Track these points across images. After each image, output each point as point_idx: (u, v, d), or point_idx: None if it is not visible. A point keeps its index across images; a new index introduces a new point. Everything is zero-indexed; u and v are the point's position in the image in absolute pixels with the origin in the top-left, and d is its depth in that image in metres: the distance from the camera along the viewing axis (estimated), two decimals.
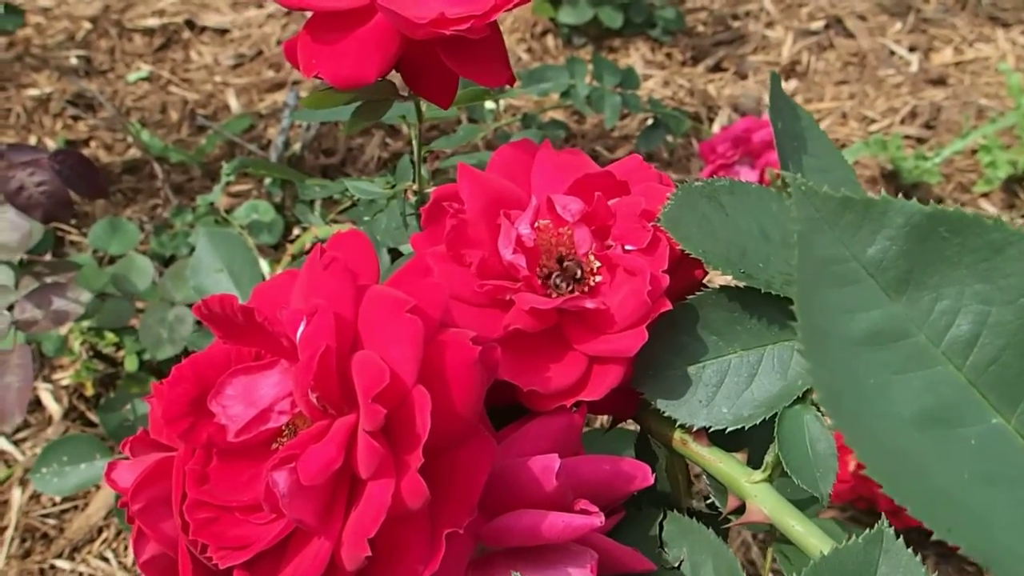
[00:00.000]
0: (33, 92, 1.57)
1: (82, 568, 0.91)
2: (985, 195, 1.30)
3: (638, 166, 0.40)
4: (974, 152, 1.34)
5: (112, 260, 0.97)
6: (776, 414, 0.36)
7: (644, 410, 0.38)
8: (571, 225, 0.37)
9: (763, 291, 0.35)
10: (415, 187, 0.54)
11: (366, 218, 0.59)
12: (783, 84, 1.59)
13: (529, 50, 1.64)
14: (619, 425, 0.43)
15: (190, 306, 0.81)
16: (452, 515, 0.30)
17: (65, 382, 1.07)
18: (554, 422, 0.35)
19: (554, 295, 0.37)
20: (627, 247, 0.37)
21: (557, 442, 0.35)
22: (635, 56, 1.62)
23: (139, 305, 1.06)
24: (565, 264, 0.37)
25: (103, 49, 1.71)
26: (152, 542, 0.33)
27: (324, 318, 0.29)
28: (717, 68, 1.60)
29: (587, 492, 0.35)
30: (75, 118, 1.55)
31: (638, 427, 0.41)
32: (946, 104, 1.44)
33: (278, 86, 1.55)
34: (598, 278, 0.37)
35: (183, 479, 0.32)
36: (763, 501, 0.35)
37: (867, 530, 0.29)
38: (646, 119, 1.42)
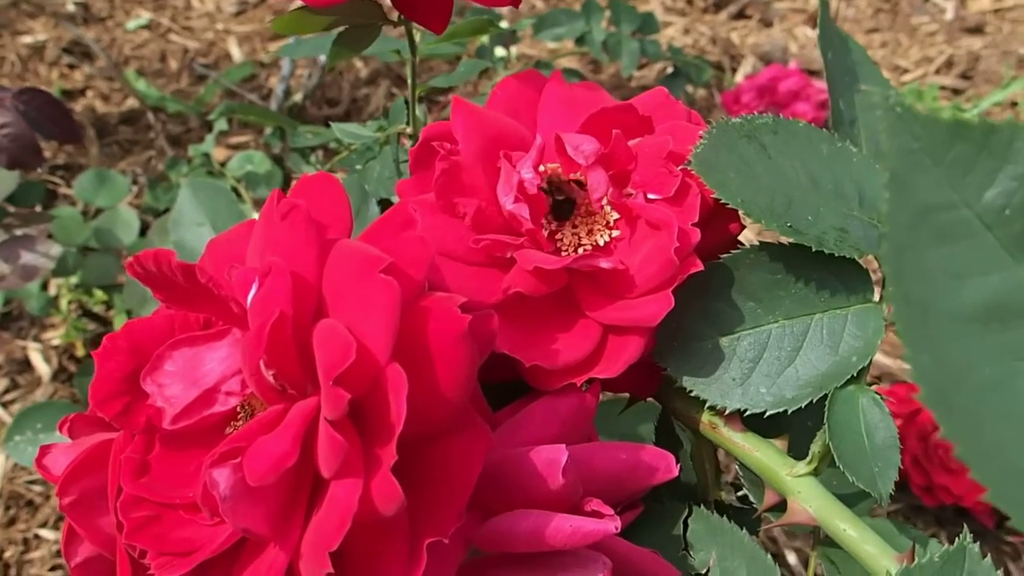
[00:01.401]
0: (28, 40, 1.51)
1: None
2: None
3: (664, 101, 0.34)
4: (1014, 104, 1.26)
5: (99, 213, 0.91)
6: (824, 396, 0.30)
7: (667, 388, 0.33)
8: (584, 169, 0.31)
9: (813, 249, 0.29)
10: (410, 130, 0.48)
11: (358, 166, 0.53)
12: (809, 33, 1.51)
13: None
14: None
15: None
16: (436, 520, 0.24)
17: (55, 342, 1.03)
18: (562, 403, 0.30)
19: (566, 251, 0.31)
20: (650, 196, 0.31)
21: (565, 426, 0.30)
22: (655, 2, 1.54)
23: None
24: (555, 195, 0.31)
25: None
26: (86, 542, 0.28)
27: (279, 279, 0.24)
28: (741, 15, 1.52)
29: (601, 485, 0.30)
30: (71, 67, 1.49)
31: (659, 405, 0.36)
32: (984, 53, 1.36)
33: (280, 35, 1.49)
34: (615, 232, 0.32)
35: (120, 469, 0.27)
36: (808, 498, 0.30)
37: (944, 546, 0.23)
38: (665, 68, 1.34)
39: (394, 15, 0.38)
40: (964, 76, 1.33)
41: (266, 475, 0.22)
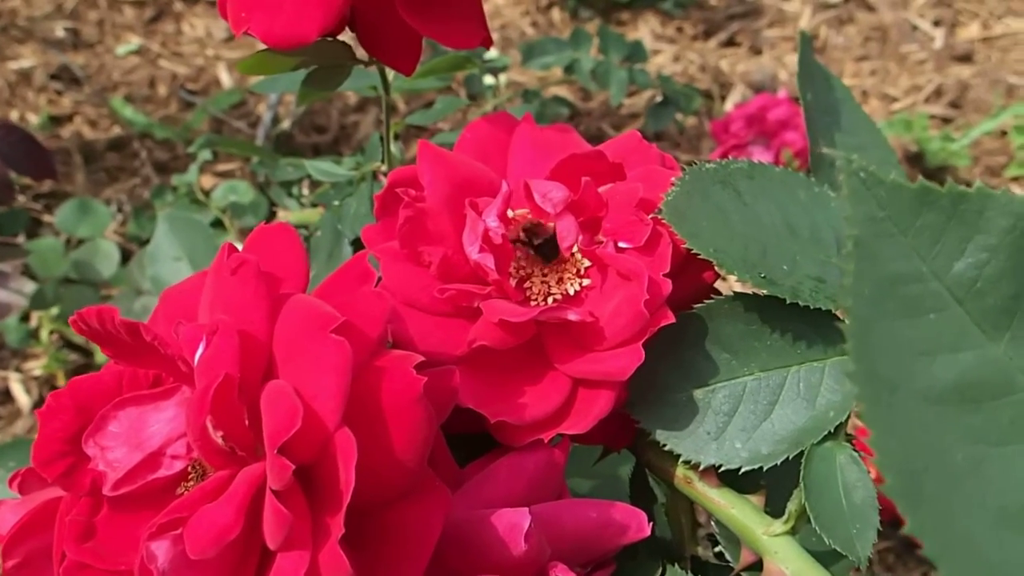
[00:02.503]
0: (16, 65, 1.50)
1: None
2: (1016, 179, 1.22)
3: (636, 145, 0.33)
4: (1004, 133, 1.26)
5: (81, 244, 0.90)
6: (802, 452, 0.29)
7: (641, 440, 0.32)
8: (553, 217, 0.30)
9: (788, 301, 0.29)
10: (385, 168, 0.47)
11: (335, 202, 0.52)
12: None
13: (534, 24, 1.57)
14: None
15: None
16: None
17: (36, 372, 1.01)
18: (529, 460, 0.29)
19: (535, 301, 0.30)
20: (621, 244, 0.30)
21: (533, 484, 0.29)
22: (644, 30, 1.54)
23: (112, 292, 1.00)
24: (533, 239, 0.30)
25: (92, 21, 1.64)
26: None
27: (226, 339, 0.23)
28: (730, 43, 1.52)
29: (569, 545, 0.28)
30: (59, 92, 1.48)
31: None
32: (974, 82, 1.36)
33: None
34: (586, 280, 0.31)
35: (64, 533, 0.26)
36: (785, 559, 0.28)
37: None
38: (654, 96, 1.34)
39: (364, 54, 0.37)
40: (954, 105, 1.33)
41: (207, 548, 0.21)
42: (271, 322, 0.24)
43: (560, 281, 0.31)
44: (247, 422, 0.23)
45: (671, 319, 0.29)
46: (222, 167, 1.27)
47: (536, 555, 0.26)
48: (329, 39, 0.34)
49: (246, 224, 1.09)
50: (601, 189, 0.31)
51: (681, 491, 0.31)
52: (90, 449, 0.24)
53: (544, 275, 0.31)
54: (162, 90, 1.50)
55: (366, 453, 0.22)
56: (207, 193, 1.08)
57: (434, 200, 0.31)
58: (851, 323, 0.15)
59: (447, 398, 0.25)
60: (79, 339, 0.99)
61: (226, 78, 1.49)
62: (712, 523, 0.32)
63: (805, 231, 0.31)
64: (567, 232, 0.30)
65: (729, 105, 1.35)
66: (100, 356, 0.92)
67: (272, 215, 1.11)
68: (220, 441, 0.23)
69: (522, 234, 0.30)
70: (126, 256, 0.99)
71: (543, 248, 0.31)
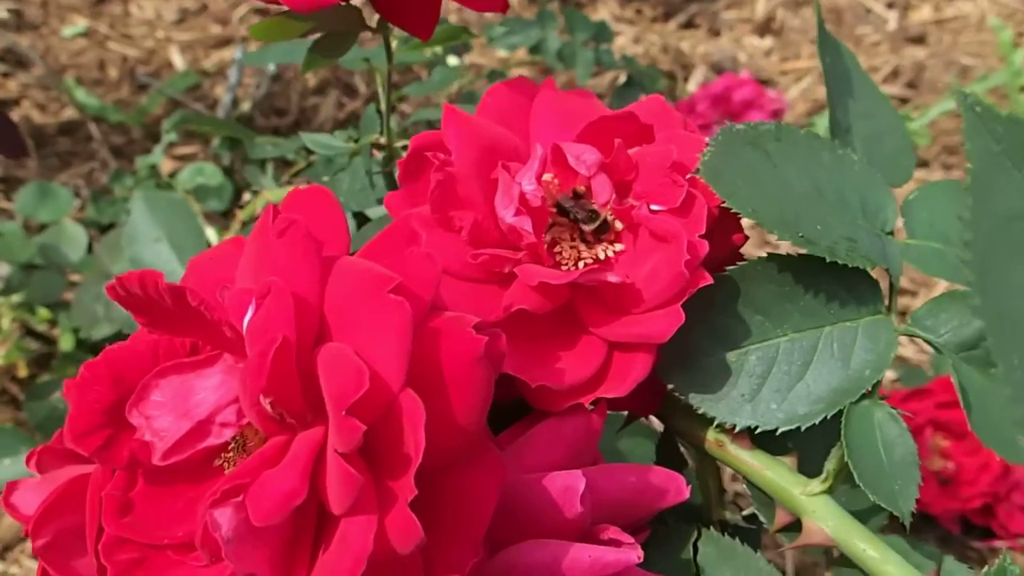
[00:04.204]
0: None
1: (14, 569, 0.82)
2: None
3: (660, 109, 0.33)
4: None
5: (44, 228, 0.87)
6: (836, 413, 0.29)
7: (671, 405, 0.32)
8: (586, 180, 0.30)
9: (827, 260, 0.29)
10: (382, 140, 0.46)
11: (325, 178, 0.51)
12: (756, 42, 1.53)
13: None
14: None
15: None
16: (452, 556, 0.23)
17: None
18: (568, 425, 0.29)
19: (566, 265, 0.30)
20: (653, 207, 0.30)
21: (572, 450, 0.29)
22: (603, 12, 1.55)
23: (75, 278, 0.97)
24: (572, 209, 0.29)
25: (35, 2, 1.59)
26: None
27: (280, 301, 0.22)
28: (689, 24, 1.53)
29: (610, 511, 0.28)
30: (5, 75, 1.43)
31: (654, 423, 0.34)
32: (929, 63, 1.39)
33: (225, 42, 1.45)
34: (619, 246, 0.30)
35: (99, 508, 0.25)
36: (824, 518, 0.29)
37: (983, 568, 0.22)
38: (617, 77, 1.34)
39: (373, 20, 0.36)
40: (910, 85, 1.36)
41: (273, 514, 0.20)
42: (322, 284, 0.23)
43: (591, 245, 0.31)
44: (300, 389, 0.23)
45: (709, 280, 0.29)
46: (181, 150, 1.24)
47: (586, 518, 0.26)
48: (344, 3, 0.33)
49: (210, 208, 1.07)
50: (630, 151, 0.31)
51: (713, 455, 0.31)
52: (135, 419, 0.23)
53: (573, 240, 0.31)
54: (113, 73, 1.46)
55: (427, 415, 0.22)
56: (169, 176, 1.05)
57: (462, 164, 0.30)
58: (971, 259, 0.15)
59: (498, 360, 0.25)
60: (42, 327, 0.96)
61: (179, 60, 1.45)
62: (745, 485, 0.32)
63: (831, 194, 0.32)
64: (601, 190, 0.29)
65: (692, 86, 1.36)
66: (64, 343, 0.89)
67: (238, 198, 1.09)
68: (269, 408, 0.22)
69: (561, 204, 0.30)
70: (87, 242, 0.96)
71: (578, 219, 0.31)
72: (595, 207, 0.30)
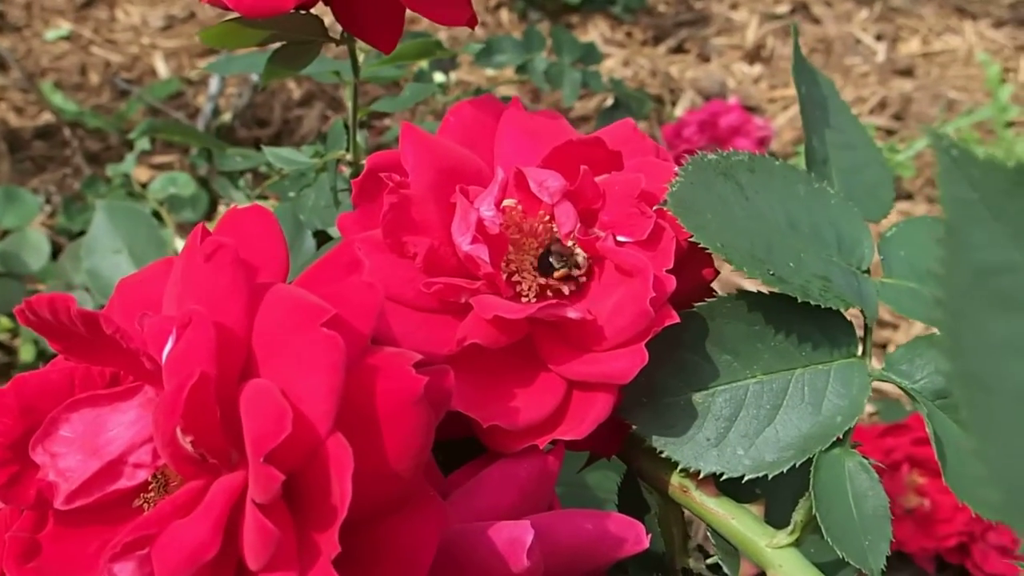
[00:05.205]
0: None
1: None
2: None
3: (631, 134, 0.31)
4: None
5: (6, 235, 0.85)
6: (806, 460, 0.27)
7: (634, 447, 0.30)
8: (549, 207, 0.28)
9: (799, 300, 0.27)
10: (349, 157, 0.44)
11: (291, 194, 0.49)
12: (746, 69, 1.52)
13: (483, 24, 1.55)
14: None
15: (88, 290, 0.70)
16: None
17: None
18: (522, 467, 0.27)
19: (526, 297, 0.28)
20: (620, 238, 0.28)
21: (525, 494, 0.27)
22: (594, 33, 1.54)
23: (40, 287, 0.95)
24: (551, 255, 0.28)
25: (18, 3, 1.57)
26: None
27: (201, 332, 0.20)
28: (679, 49, 1.53)
29: (563, 559, 0.26)
30: None
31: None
32: (915, 95, 1.38)
33: (211, 51, 1.44)
34: (582, 278, 0.29)
35: (4, 551, 0.23)
36: (791, 572, 0.27)
37: None
38: (604, 99, 1.33)
39: (337, 32, 0.35)
40: (897, 117, 1.35)
41: (180, 569, 0.19)
42: (250, 314, 0.21)
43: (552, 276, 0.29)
44: (221, 427, 0.21)
45: (675, 318, 0.27)
46: (159, 159, 1.22)
47: (537, 570, 0.24)
48: (303, 12, 0.32)
49: (184, 219, 1.04)
50: (598, 179, 0.29)
51: (676, 501, 0.30)
52: (38, 456, 0.21)
53: (534, 270, 0.29)
54: (94, 78, 1.44)
55: (357, 462, 0.20)
56: (144, 186, 1.03)
57: (419, 187, 0.29)
58: (943, 317, 0.13)
59: (441, 400, 0.23)
60: (2, 337, 0.94)
61: (163, 68, 1.44)
62: (708, 535, 0.30)
63: (806, 227, 0.30)
64: (565, 218, 0.28)
65: (680, 111, 1.35)
66: (25, 354, 0.87)
67: (213, 209, 1.07)
68: (189, 447, 0.21)
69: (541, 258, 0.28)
70: (55, 250, 0.94)
71: (560, 255, 0.29)
72: (581, 257, 0.28)
